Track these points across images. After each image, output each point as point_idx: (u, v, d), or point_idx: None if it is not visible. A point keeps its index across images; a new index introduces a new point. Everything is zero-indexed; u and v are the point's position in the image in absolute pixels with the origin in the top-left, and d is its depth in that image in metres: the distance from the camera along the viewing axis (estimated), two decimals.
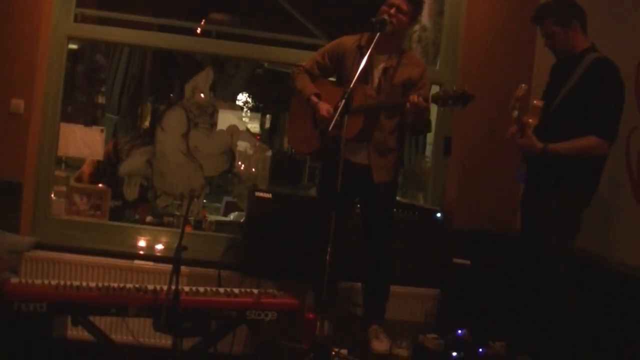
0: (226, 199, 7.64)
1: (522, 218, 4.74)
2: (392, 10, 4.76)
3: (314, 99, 4.88)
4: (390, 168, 4.95)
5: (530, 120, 4.26)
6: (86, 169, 6.84)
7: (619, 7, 4.79)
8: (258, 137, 12.64)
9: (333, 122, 4.11)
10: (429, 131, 5.21)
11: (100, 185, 6.46)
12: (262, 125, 14.46)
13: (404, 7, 4.80)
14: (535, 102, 4.35)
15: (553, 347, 4.30)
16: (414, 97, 4.50)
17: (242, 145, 6.52)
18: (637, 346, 4.18)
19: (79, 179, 6.70)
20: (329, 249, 4.07)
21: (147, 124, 11.33)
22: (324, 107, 4.76)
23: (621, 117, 4.22)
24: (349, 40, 4.99)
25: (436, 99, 4.52)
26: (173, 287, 3.98)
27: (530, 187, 4.57)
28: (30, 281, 4.29)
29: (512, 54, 5.89)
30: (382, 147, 4.88)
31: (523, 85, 4.36)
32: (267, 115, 14.77)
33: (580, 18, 4.38)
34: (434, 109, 5.44)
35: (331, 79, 5.18)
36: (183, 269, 5.04)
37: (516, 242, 5.05)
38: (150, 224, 6.48)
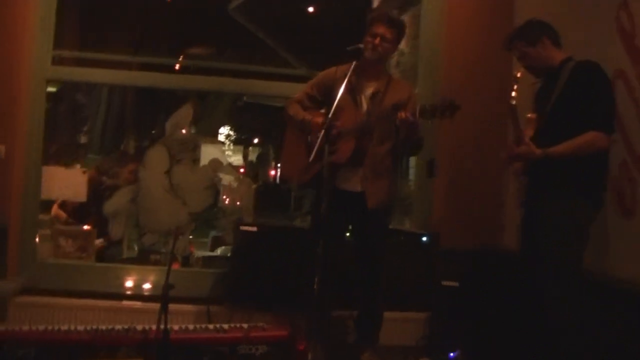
0: (212, 233, 7.63)
1: (524, 238, 4.61)
2: (377, 40, 4.81)
3: (307, 116, 4.91)
4: (384, 193, 4.94)
5: (526, 132, 4.27)
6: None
7: (591, 21, 4.83)
8: (243, 169, 12.65)
9: (314, 152, 4.13)
10: (421, 149, 5.20)
11: (85, 226, 6.43)
12: (245, 157, 14.48)
13: (388, 35, 4.85)
14: (529, 115, 4.35)
15: None
16: (402, 114, 4.53)
17: (227, 179, 6.53)
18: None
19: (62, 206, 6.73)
20: (316, 277, 4.06)
21: None
22: (320, 119, 4.78)
23: (615, 109, 4.22)
24: (336, 71, 5.02)
25: (423, 112, 4.52)
26: (162, 326, 3.97)
27: (531, 205, 4.50)
28: (18, 327, 4.27)
29: (492, 75, 5.92)
30: (375, 172, 4.88)
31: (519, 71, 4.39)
32: (250, 147, 14.80)
33: (549, 33, 4.42)
34: None
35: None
36: (172, 306, 4.98)
37: (510, 263, 5.06)
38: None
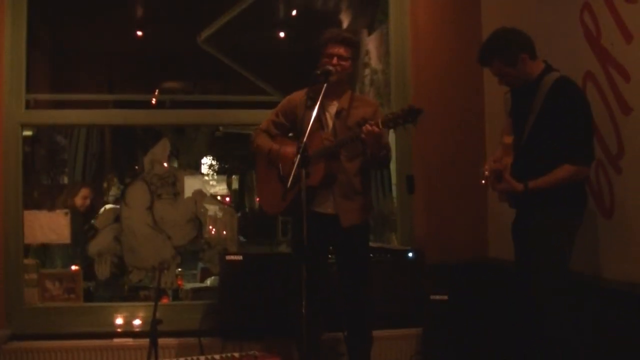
0: (201, 265, 7.62)
1: (516, 243, 4.59)
2: (334, 60, 4.82)
3: (275, 147, 4.91)
4: (358, 211, 4.93)
5: (504, 161, 4.22)
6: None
7: (557, 24, 4.87)
8: (228, 198, 12.63)
9: (291, 178, 4.13)
10: (389, 161, 5.18)
11: (73, 267, 6.41)
12: (229, 186, 14.45)
13: (344, 53, 4.87)
14: (505, 140, 4.27)
15: None
16: (366, 127, 4.52)
17: (212, 209, 6.53)
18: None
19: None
20: (303, 302, 4.05)
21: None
22: (287, 149, 4.80)
23: (592, 137, 4.22)
24: (298, 95, 5.05)
25: (387, 122, 4.51)
26: None
27: (519, 212, 4.50)
28: None
29: (463, 85, 5.96)
30: (347, 190, 4.88)
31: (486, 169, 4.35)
32: (233, 176, 14.78)
33: (527, 49, 4.30)
34: (392, 148, 5.46)
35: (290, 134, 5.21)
36: (164, 341, 5.02)
37: (497, 274, 5.09)
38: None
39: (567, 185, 4.16)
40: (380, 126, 4.50)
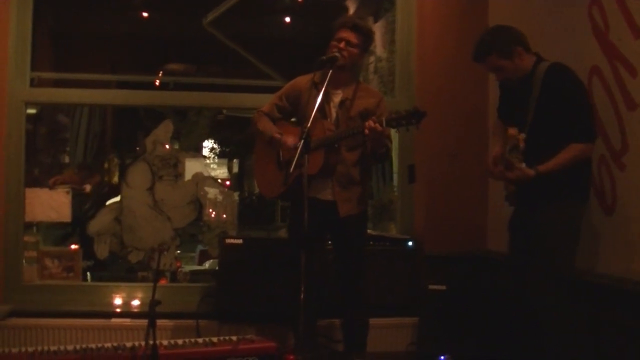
0: (199, 247, 7.63)
1: (513, 239, 4.61)
2: (342, 44, 4.81)
3: (277, 134, 4.89)
4: (356, 200, 4.93)
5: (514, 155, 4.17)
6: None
7: (565, 18, 4.85)
8: (228, 182, 12.66)
9: (294, 162, 4.13)
10: (390, 156, 5.19)
11: (73, 246, 6.42)
12: (230, 169, 14.47)
13: (354, 39, 4.85)
14: (509, 131, 4.20)
15: None
16: (369, 123, 4.52)
17: (212, 192, 6.53)
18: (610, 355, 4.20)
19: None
20: (301, 287, 4.05)
21: (115, 179, 11.30)
22: (289, 139, 4.78)
23: (592, 114, 4.24)
24: (303, 80, 5.02)
25: (390, 122, 4.52)
26: (150, 342, 3.98)
27: (522, 207, 4.49)
28: (7, 350, 4.26)
29: (467, 77, 5.93)
30: (345, 180, 4.88)
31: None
32: (234, 160, 14.80)
33: (521, 42, 4.37)
34: (394, 138, 5.45)
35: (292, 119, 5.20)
36: (162, 322, 5.01)
37: (496, 266, 5.09)
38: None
39: (574, 177, 4.19)
40: (384, 125, 4.50)
